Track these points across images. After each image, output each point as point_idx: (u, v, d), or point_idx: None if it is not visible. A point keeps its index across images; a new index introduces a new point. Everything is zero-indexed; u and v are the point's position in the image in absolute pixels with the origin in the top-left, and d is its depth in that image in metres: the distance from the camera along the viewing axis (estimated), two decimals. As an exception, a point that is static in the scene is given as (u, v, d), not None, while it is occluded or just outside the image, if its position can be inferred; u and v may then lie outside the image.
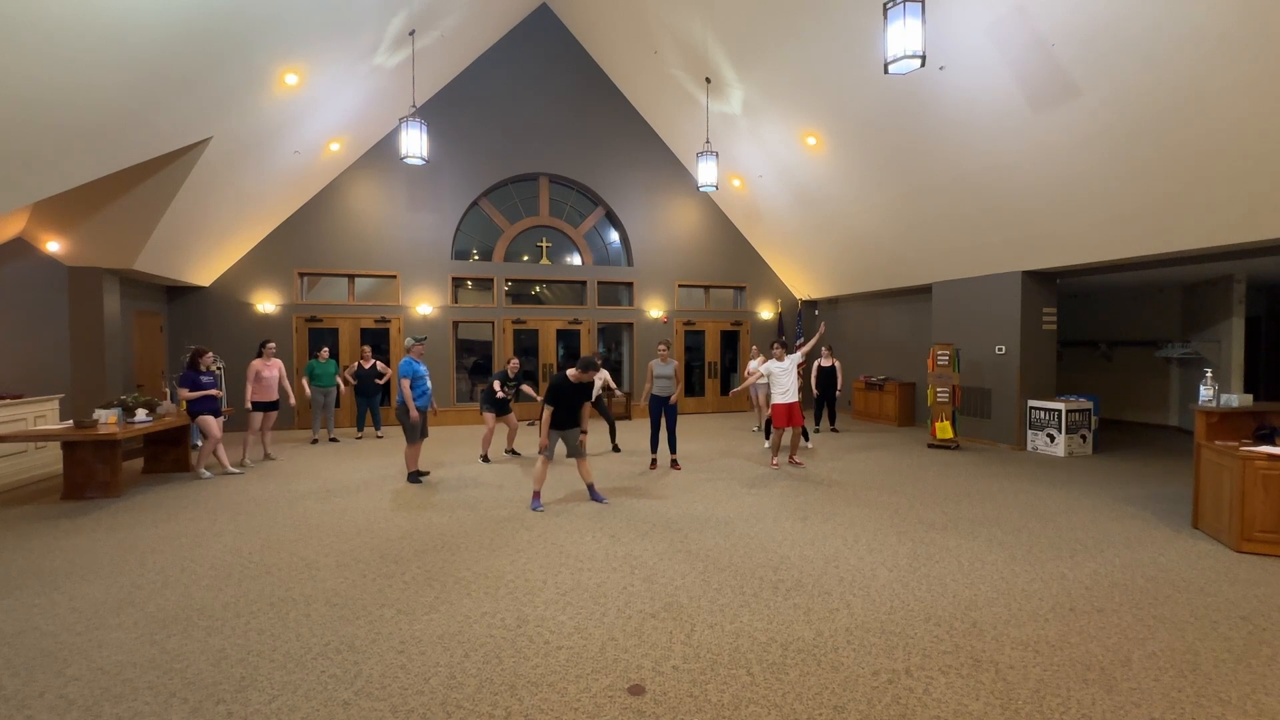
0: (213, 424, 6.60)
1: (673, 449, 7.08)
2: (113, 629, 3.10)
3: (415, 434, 6.24)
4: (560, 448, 7.48)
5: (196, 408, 6.56)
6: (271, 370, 7.69)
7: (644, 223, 12.16)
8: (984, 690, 2.55)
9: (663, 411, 7.02)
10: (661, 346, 7.12)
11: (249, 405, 7.50)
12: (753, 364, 8.22)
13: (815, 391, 9.69)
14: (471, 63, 10.90)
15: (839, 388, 9.62)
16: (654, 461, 7.07)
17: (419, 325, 10.92)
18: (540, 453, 5.29)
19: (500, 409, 7.59)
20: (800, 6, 7.17)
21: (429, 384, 6.41)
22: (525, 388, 7.97)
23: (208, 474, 6.63)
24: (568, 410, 5.35)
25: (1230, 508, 4.29)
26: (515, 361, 7.81)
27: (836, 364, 9.62)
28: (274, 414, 7.76)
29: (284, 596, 3.49)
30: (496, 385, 7.52)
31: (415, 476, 6.35)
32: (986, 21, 5.93)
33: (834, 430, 10.02)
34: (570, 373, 5.28)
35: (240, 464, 7.15)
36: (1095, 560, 4.07)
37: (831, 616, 3.23)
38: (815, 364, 9.74)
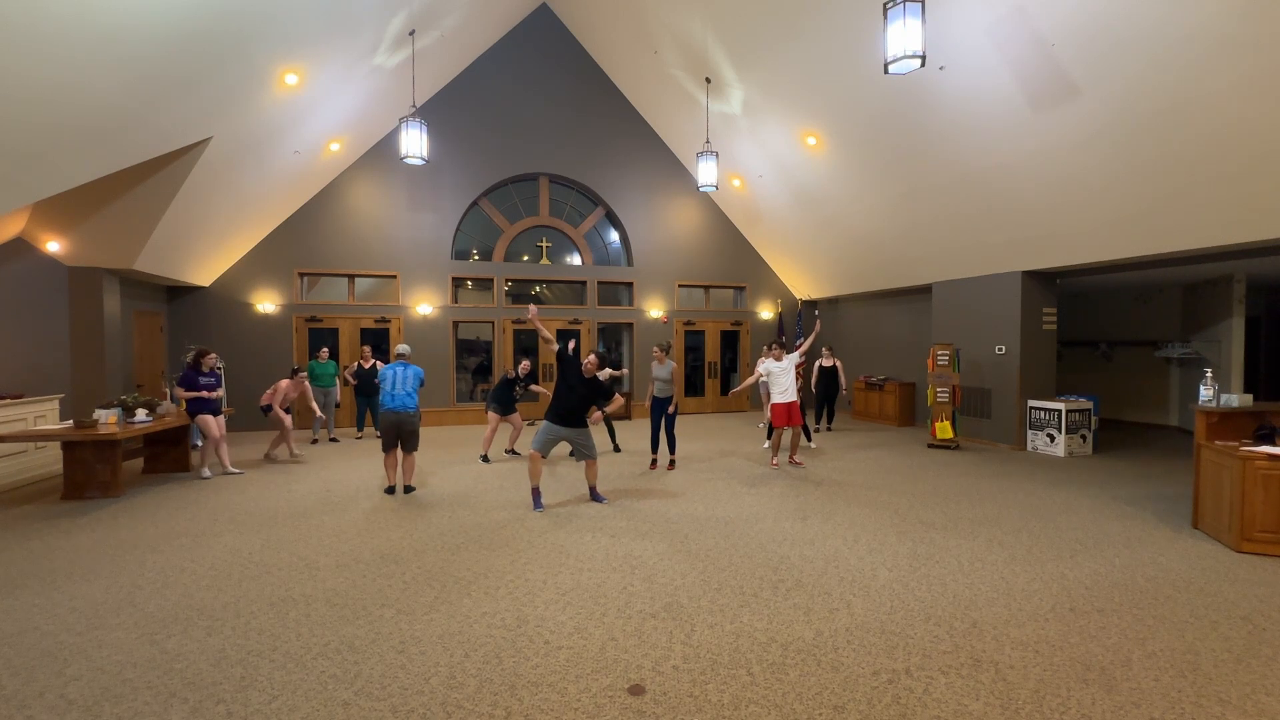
0: (212, 424, 6.60)
1: (671, 449, 7.08)
2: (113, 629, 3.10)
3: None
4: (562, 447, 7.47)
5: (196, 408, 6.55)
6: (295, 393, 7.76)
7: (644, 223, 12.16)
8: (984, 690, 2.55)
9: (662, 413, 7.03)
10: (656, 349, 7.10)
11: (284, 409, 7.51)
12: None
13: (814, 391, 9.69)
14: (471, 63, 10.90)
15: (842, 388, 9.59)
16: (654, 461, 7.07)
17: (419, 325, 10.92)
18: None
19: (505, 408, 7.60)
20: (800, 6, 7.18)
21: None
22: (535, 387, 7.98)
23: (208, 474, 6.64)
24: (570, 404, 5.33)
25: (1230, 508, 4.29)
26: (526, 362, 7.84)
27: (838, 364, 9.61)
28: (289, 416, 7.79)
29: (284, 596, 3.49)
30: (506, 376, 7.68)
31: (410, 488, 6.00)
32: (986, 21, 5.93)
33: (829, 429, 10.03)
34: (589, 360, 5.39)
35: (287, 456, 7.57)
36: (1095, 560, 4.07)
37: (831, 616, 3.23)
38: (816, 364, 9.73)
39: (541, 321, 5.30)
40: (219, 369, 9.42)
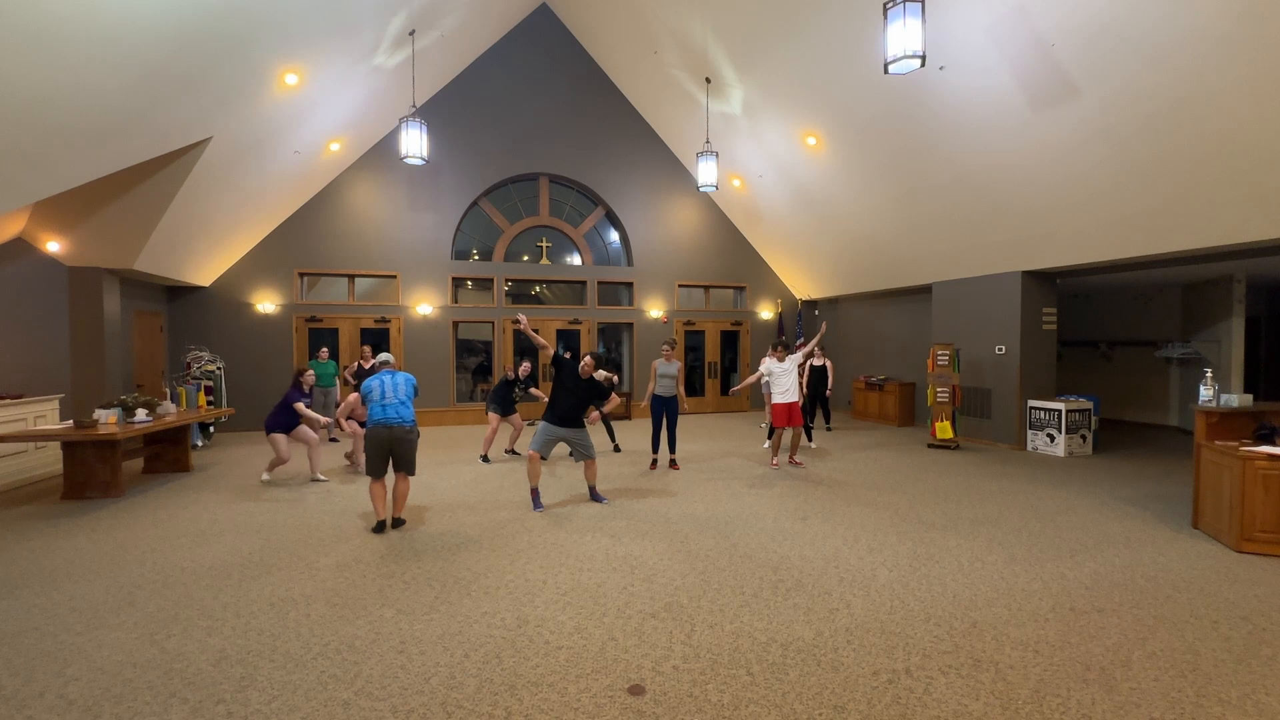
0: (282, 443, 6.31)
1: (672, 449, 7.07)
2: (113, 629, 3.10)
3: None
4: (562, 447, 7.48)
5: (273, 424, 6.30)
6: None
7: (644, 223, 12.16)
8: (984, 690, 2.55)
9: (664, 411, 7.02)
10: (665, 346, 7.09)
11: (358, 421, 7.04)
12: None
13: (804, 391, 9.62)
14: (471, 63, 10.90)
15: (830, 387, 9.55)
16: (654, 461, 7.07)
17: (419, 325, 10.92)
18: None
19: (505, 409, 7.61)
20: (800, 6, 7.17)
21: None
22: (534, 390, 7.99)
23: (319, 477, 6.39)
24: (568, 405, 5.33)
25: (1230, 508, 4.29)
26: (526, 364, 7.85)
27: (828, 363, 9.58)
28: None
29: (284, 596, 3.49)
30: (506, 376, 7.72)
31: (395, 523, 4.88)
32: (986, 21, 5.93)
33: (829, 429, 10.03)
34: (585, 361, 5.36)
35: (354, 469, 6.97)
36: (1095, 560, 4.07)
37: (831, 616, 3.23)
38: (808, 363, 9.67)
39: (534, 329, 5.20)
40: (216, 369, 9.43)
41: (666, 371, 6.96)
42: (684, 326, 12.52)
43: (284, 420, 6.37)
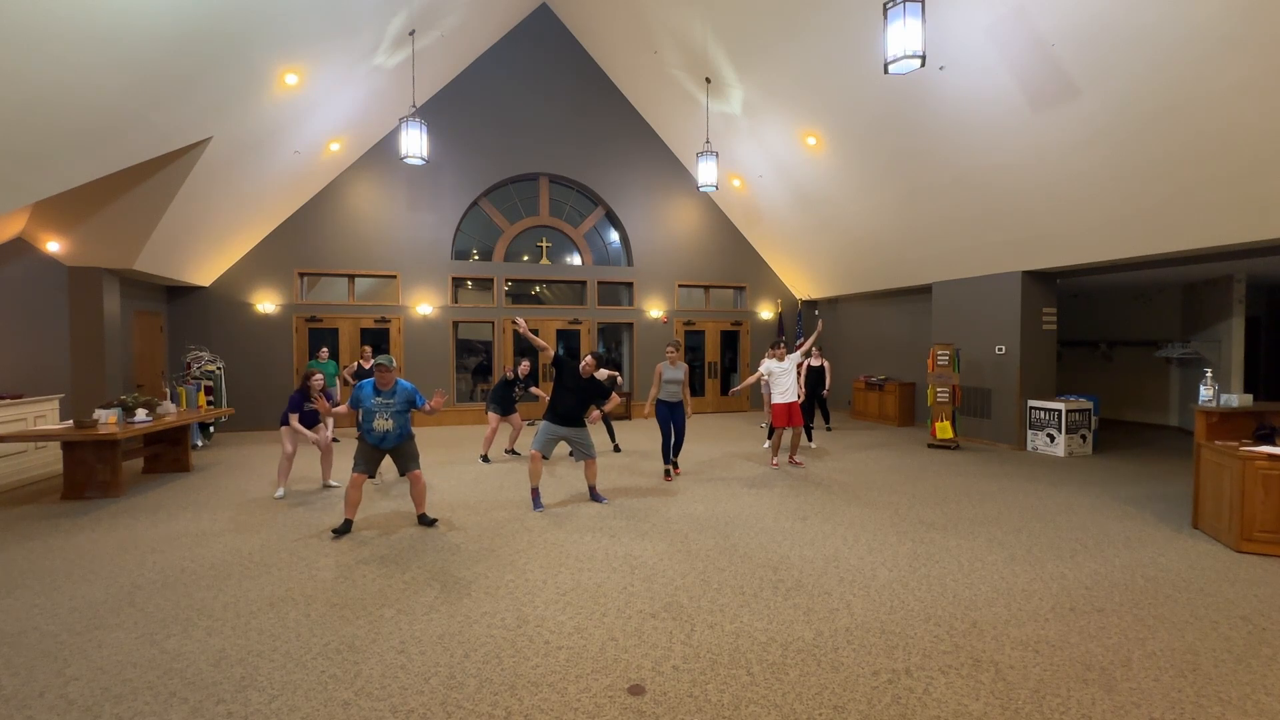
0: (286, 440, 5.92)
1: (676, 452, 6.89)
2: (113, 629, 3.10)
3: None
4: (562, 447, 7.47)
5: (285, 420, 5.95)
6: None
7: (644, 223, 12.16)
8: (984, 690, 2.55)
9: (671, 419, 6.57)
10: (671, 349, 6.57)
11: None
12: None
13: (803, 391, 9.61)
14: (471, 63, 10.90)
15: (827, 387, 9.45)
16: (668, 472, 6.62)
17: (419, 325, 10.92)
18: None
19: (506, 409, 7.61)
20: (800, 6, 7.17)
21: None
22: (534, 389, 7.98)
23: (281, 493, 5.85)
24: (569, 405, 5.32)
25: (1230, 508, 4.29)
26: (526, 363, 7.84)
27: (825, 363, 9.54)
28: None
29: (284, 596, 3.49)
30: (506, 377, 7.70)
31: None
32: (986, 21, 5.93)
33: (829, 429, 10.03)
34: (586, 360, 5.35)
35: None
36: (1095, 560, 4.07)
37: (831, 616, 3.23)
38: (805, 363, 9.62)
39: (533, 330, 5.17)
40: (218, 369, 9.42)
41: (673, 376, 6.46)
42: (684, 326, 12.52)
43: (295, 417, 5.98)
